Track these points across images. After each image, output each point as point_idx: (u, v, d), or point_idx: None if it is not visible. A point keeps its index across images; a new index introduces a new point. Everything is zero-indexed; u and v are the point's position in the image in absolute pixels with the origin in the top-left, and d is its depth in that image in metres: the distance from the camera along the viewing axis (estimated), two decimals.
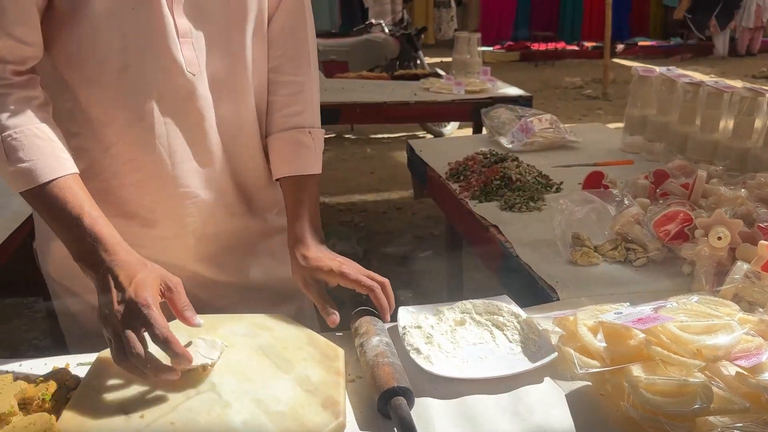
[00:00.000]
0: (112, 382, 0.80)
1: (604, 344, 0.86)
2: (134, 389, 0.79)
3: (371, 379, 0.81)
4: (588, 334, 0.89)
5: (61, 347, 2.14)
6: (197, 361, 0.79)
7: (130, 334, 0.76)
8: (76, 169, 0.87)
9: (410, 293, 2.94)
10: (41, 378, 0.81)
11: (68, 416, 0.75)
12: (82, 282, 0.91)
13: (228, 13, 0.96)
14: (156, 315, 0.77)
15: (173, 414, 0.75)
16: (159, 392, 0.78)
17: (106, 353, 0.86)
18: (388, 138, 5.71)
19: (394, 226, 3.71)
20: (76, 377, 0.82)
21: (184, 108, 0.95)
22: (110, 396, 0.78)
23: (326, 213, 3.86)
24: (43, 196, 0.84)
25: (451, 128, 5.21)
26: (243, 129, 1.04)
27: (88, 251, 0.83)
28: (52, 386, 0.79)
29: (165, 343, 0.76)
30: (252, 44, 1.00)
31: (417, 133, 5.70)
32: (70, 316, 1.08)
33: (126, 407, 0.76)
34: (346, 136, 5.80)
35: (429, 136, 5.25)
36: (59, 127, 0.90)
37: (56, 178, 0.84)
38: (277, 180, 1.09)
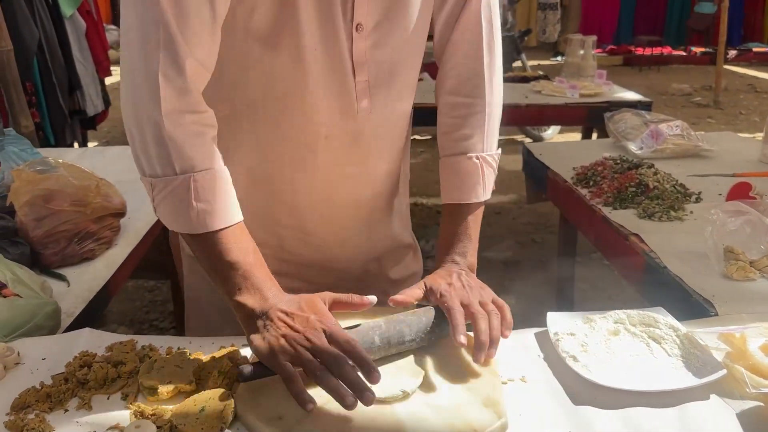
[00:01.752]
0: None
1: None
2: (301, 372, 0.82)
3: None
4: (759, 352, 0.85)
5: (181, 329, 2.27)
6: (399, 386, 0.78)
7: (330, 351, 0.74)
8: (242, 217, 0.85)
9: (513, 299, 2.90)
10: (214, 355, 0.86)
11: (243, 394, 0.78)
12: None
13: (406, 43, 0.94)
14: (340, 330, 0.77)
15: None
16: None
17: None
18: None
19: (494, 231, 3.66)
20: (245, 357, 0.86)
21: (351, 139, 0.95)
22: (279, 378, 0.81)
23: (425, 214, 3.87)
24: (215, 239, 0.81)
25: (552, 132, 5.09)
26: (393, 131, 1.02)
27: (252, 290, 0.81)
28: (227, 364, 0.83)
29: (361, 360, 0.74)
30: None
31: (515, 137, 5.60)
32: (199, 295, 1.10)
33: None
34: None
35: (528, 140, 5.15)
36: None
37: (229, 226, 0.82)
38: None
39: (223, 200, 0.82)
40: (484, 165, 1.00)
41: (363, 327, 0.83)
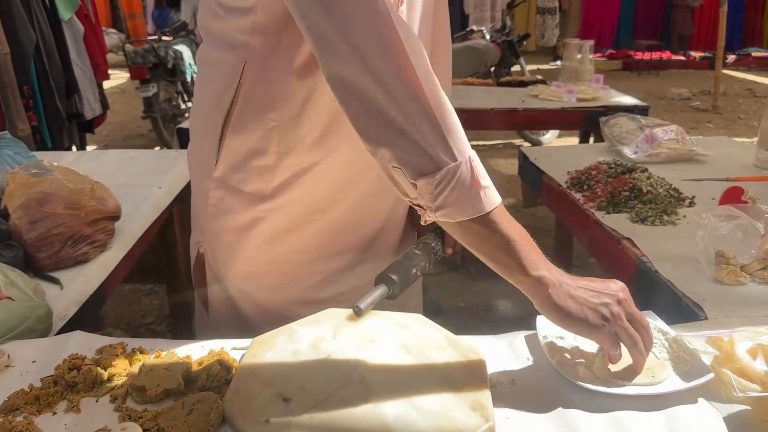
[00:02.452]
0: (268, 366, 0.84)
1: (765, 368, 0.82)
2: (289, 375, 0.82)
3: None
4: (746, 356, 0.85)
5: (177, 332, 2.27)
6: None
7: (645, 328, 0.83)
8: None
9: (509, 302, 2.90)
10: (203, 359, 0.86)
11: (230, 397, 0.79)
12: (265, 291, 1.03)
13: None
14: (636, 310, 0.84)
15: (328, 402, 0.77)
16: (312, 381, 0.81)
17: (262, 338, 0.90)
18: (484, 145, 5.66)
19: None
20: (234, 360, 0.87)
21: None
22: (268, 380, 0.81)
23: None
24: (498, 214, 0.79)
25: (550, 137, 5.10)
26: None
27: (543, 260, 0.81)
28: (216, 367, 0.83)
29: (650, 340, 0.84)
30: None
31: (513, 141, 5.61)
32: (226, 304, 1.08)
33: (282, 392, 0.79)
34: None
35: (527, 144, 5.16)
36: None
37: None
38: None
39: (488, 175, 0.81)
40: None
41: (402, 260, 0.97)
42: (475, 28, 5.69)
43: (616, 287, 0.83)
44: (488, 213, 0.78)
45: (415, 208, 0.82)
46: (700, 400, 0.82)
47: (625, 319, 0.81)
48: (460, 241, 0.83)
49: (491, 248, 0.80)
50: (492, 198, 0.79)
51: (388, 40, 0.74)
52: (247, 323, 1.06)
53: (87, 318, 1.20)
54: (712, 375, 0.83)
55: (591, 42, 3.25)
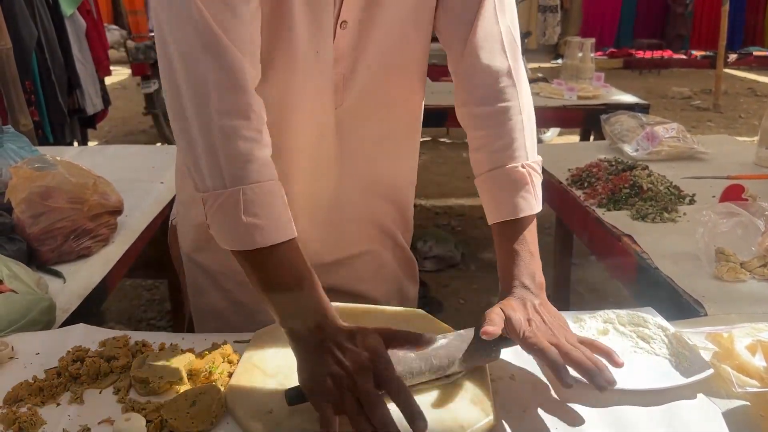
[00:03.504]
0: (270, 359, 0.84)
1: (765, 364, 0.82)
2: (291, 368, 0.82)
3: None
4: (746, 352, 0.85)
5: (178, 328, 2.27)
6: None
7: (372, 396, 0.69)
8: (295, 233, 0.80)
9: None
10: (206, 352, 0.87)
11: (233, 389, 0.79)
12: (215, 258, 1.01)
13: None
14: (392, 373, 0.72)
15: None
16: None
17: (264, 331, 0.91)
18: None
19: (491, 233, 3.66)
20: (237, 354, 0.87)
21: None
22: (270, 372, 0.82)
23: (423, 215, 3.88)
24: (265, 256, 0.77)
25: (551, 135, 5.09)
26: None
27: (305, 315, 0.76)
28: (218, 360, 0.84)
29: (409, 396, 0.70)
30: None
31: None
32: (202, 293, 1.10)
33: (284, 383, 0.80)
34: (442, 140, 5.81)
35: None
36: None
37: (284, 242, 0.77)
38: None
39: (274, 215, 0.77)
40: (532, 173, 0.91)
41: (409, 356, 0.80)
42: None
43: (363, 350, 0.73)
44: (251, 251, 0.76)
45: None
46: (699, 395, 0.82)
47: (347, 393, 0.70)
48: None
49: (253, 283, 0.78)
50: (255, 237, 0.75)
51: (192, 60, 0.77)
52: (211, 296, 1.09)
53: (90, 312, 1.21)
54: (711, 371, 0.84)
55: (592, 40, 3.25)
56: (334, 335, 0.74)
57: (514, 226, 0.90)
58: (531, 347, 0.79)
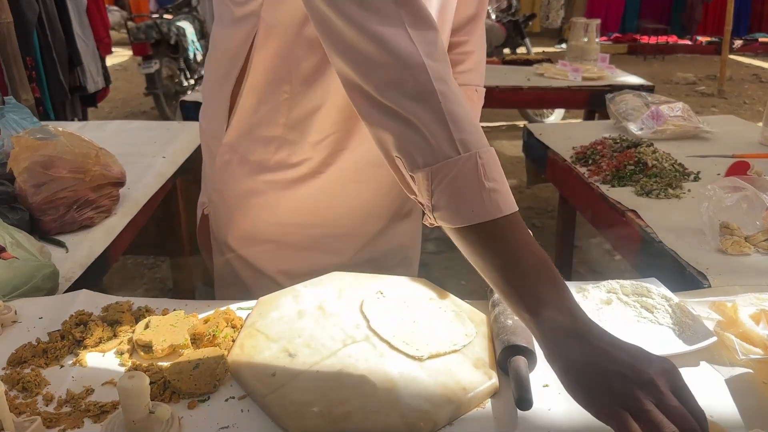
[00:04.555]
0: (273, 325, 0.84)
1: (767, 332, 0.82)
2: (294, 333, 0.83)
3: (496, 334, 0.82)
4: (749, 320, 0.85)
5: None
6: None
7: (680, 414, 0.57)
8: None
9: None
10: (210, 316, 0.87)
11: (237, 353, 0.79)
12: (261, 256, 1.01)
13: None
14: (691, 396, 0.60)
15: (333, 358, 0.78)
16: (317, 338, 0.81)
17: (267, 297, 0.91)
18: (488, 127, 5.64)
19: None
20: (240, 319, 0.87)
21: None
22: (273, 338, 0.82)
23: None
24: (504, 228, 0.68)
25: (555, 118, 5.07)
26: None
27: (558, 301, 0.65)
28: (222, 324, 0.84)
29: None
30: None
31: (517, 122, 5.59)
32: (233, 279, 1.09)
33: (287, 348, 0.80)
34: None
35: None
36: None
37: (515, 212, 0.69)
38: None
39: (505, 180, 0.69)
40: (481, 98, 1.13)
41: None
42: None
43: (658, 369, 0.60)
44: (491, 221, 0.67)
45: (422, 208, 0.74)
46: (703, 363, 0.82)
47: (651, 410, 0.57)
48: (466, 256, 0.72)
49: (491, 268, 0.68)
50: (500, 205, 0.67)
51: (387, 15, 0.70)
52: (244, 287, 1.07)
53: (92, 283, 1.20)
54: (714, 338, 0.84)
55: (597, 21, 3.22)
56: (612, 338, 0.62)
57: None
58: None
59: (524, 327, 0.74)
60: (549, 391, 0.75)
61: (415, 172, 0.70)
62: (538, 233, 3.45)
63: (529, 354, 0.77)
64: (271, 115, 0.95)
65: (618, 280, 0.97)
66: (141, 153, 1.76)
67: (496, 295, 0.91)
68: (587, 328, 0.63)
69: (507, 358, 0.77)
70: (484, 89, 1.13)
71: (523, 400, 0.68)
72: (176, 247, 2.07)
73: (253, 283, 1.06)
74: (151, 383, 0.73)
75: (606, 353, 0.61)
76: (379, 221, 1.10)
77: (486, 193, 0.67)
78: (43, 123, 1.80)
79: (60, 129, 1.37)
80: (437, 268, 3.04)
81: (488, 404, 0.74)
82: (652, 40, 9.38)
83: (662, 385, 0.58)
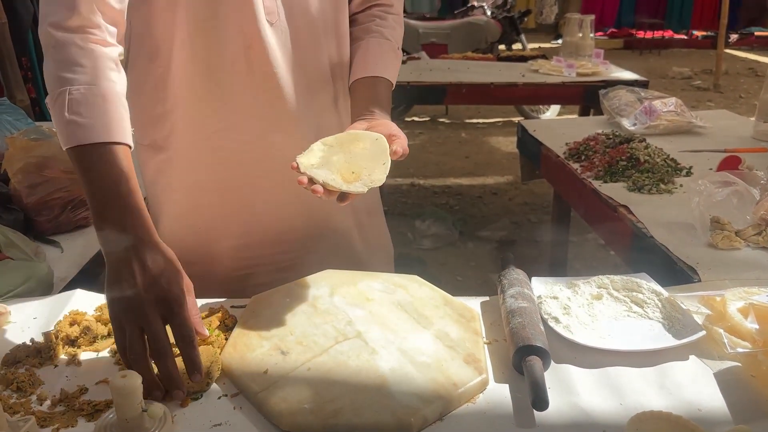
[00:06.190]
0: (266, 323, 0.85)
1: (756, 326, 0.83)
2: (287, 331, 0.83)
3: (509, 334, 0.82)
4: (738, 314, 0.86)
5: None
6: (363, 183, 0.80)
7: (159, 327, 0.73)
8: (131, 143, 0.83)
9: None
10: (204, 315, 0.87)
11: (230, 351, 0.80)
12: (188, 250, 0.99)
13: None
14: (188, 315, 0.74)
15: (325, 356, 0.79)
16: (310, 335, 0.82)
17: (260, 296, 0.91)
18: (484, 123, 5.64)
19: (490, 211, 3.67)
20: (233, 317, 0.88)
21: (258, 59, 0.94)
22: (266, 336, 0.83)
23: (421, 194, 3.88)
24: (88, 155, 0.79)
25: (550, 114, 5.08)
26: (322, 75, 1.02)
27: (118, 220, 0.77)
28: (215, 322, 0.84)
29: (192, 348, 0.73)
30: None
31: (513, 118, 5.59)
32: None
33: (280, 345, 0.80)
34: (441, 120, 5.78)
35: None
36: (149, 96, 0.96)
37: (110, 144, 0.80)
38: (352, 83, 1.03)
39: (100, 115, 0.80)
40: (398, 52, 1.06)
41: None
42: (476, 3, 5.65)
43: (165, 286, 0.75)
44: (72, 148, 0.79)
45: None
46: (692, 356, 0.83)
47: (147, 311, 0.72)
48: None
49: (82, 186, 0.81)
50: (78, 135, 0.79)
51: None
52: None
53: (87, 282, 1.21)
54: (703, 332, 0.85)
55: (591, 17, 3.23)
56: (144, 251, 0.75)
57: (374, 82, 1.00)
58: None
59: (537, 324, 0.82)
60: (549, 393, 0.76)
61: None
62: (534, 228, 3.46)
63: (543, 354, 0.78)
64: (154, 94, 0.98)
65: (608, 276, 0.97)
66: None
67: (504, 279, 0.94)
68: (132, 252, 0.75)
69: (521, 357, 0.78)
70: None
71: (540, 401, 0.70)
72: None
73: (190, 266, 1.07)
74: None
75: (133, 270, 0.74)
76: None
77: (64, 124, 0.80)
78: (39, 123, 1.81)
79: (54, 129, 1.37)
80: (434, 264, 3.05)
81: (479, 399, 0.75)
82: (648, 34, 9.39)
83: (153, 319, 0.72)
